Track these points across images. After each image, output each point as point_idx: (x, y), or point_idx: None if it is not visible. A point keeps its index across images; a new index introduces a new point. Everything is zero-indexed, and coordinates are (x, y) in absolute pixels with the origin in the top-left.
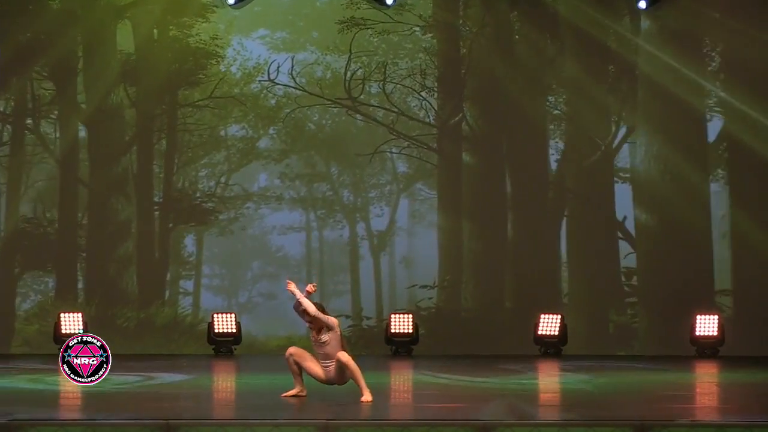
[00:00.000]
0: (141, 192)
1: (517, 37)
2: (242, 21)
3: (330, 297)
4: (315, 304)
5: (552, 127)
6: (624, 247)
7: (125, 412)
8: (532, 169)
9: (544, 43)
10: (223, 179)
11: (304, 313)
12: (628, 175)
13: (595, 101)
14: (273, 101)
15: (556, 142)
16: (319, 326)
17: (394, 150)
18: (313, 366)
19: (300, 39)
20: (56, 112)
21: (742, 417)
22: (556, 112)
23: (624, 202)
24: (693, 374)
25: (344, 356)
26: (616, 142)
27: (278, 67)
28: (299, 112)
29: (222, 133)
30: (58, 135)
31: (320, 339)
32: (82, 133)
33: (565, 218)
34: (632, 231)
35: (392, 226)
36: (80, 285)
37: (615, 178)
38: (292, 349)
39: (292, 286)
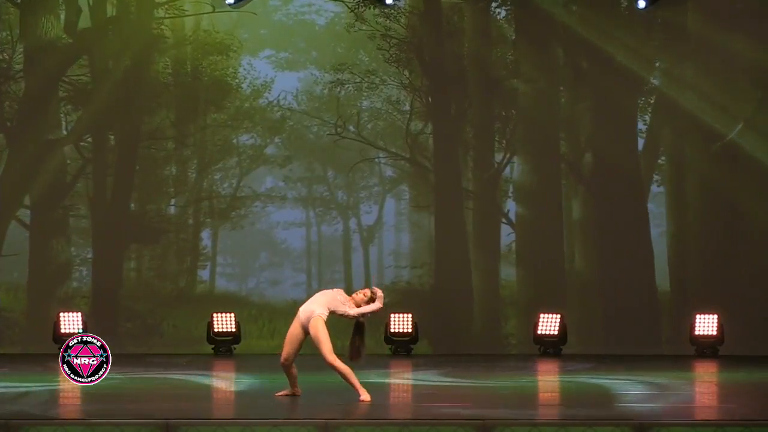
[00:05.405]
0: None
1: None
2: (250, 43)
3: (327, 284)
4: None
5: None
6: None
7: (125, 412)
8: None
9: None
10: (234, 182)
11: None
12: None
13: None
14: (278, 114)
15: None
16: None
17: (381, 156)
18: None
19: (301, 58)
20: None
21: (742, 417)
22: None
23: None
24: (693, 374)
25: (327, 359)
26: None
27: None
28: (299, 124)
29: (234, 141)
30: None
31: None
32: None
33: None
34: None
35: (380, 222)
36: None
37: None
38: (284, 355)
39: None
